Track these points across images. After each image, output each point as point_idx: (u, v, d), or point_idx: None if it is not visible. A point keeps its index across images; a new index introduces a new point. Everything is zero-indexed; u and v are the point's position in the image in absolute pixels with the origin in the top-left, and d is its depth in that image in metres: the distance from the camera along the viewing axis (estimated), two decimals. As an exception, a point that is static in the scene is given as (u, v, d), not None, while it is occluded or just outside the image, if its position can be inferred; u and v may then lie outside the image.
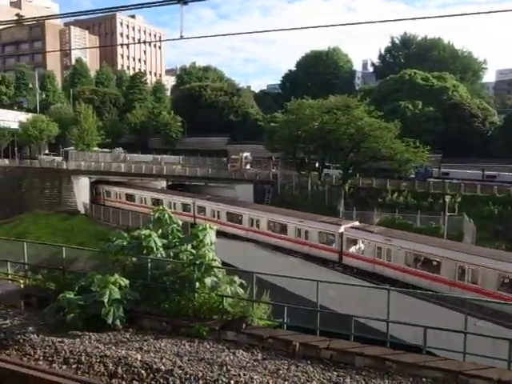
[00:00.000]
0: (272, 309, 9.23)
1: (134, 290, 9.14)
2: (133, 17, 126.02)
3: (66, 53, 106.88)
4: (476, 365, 7.10)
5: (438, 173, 49.20)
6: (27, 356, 7.62)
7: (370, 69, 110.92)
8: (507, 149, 52.73)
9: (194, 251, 9.79)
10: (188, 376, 6.81)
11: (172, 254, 10.22)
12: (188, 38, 9.11)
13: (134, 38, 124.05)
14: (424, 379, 6.82)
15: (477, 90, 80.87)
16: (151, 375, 6.88)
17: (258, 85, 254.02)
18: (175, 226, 11.13)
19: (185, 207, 41.63)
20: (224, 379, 6.70)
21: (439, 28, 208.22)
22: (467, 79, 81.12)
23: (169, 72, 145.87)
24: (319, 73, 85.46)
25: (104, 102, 78.23)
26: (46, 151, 67.36)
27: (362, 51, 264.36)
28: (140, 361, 7.22)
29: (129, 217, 41.79)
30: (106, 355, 7.43)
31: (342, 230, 29.66)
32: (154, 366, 7.05)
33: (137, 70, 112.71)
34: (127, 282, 9.02)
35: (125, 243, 10.35)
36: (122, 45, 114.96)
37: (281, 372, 7.03)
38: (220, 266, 9.66)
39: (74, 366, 7.26)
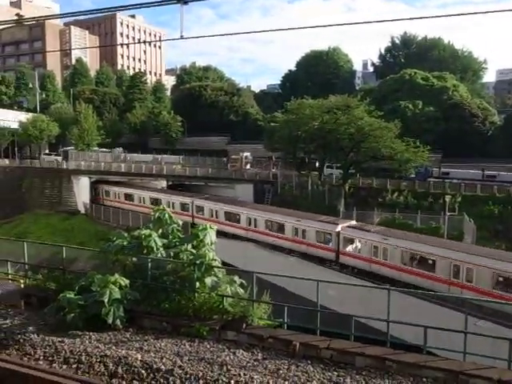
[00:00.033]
0: (272, 308, 9.23)
1: (134, 289, 9.14)
2: (133, 17, 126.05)
3: (66, 53, 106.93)
4: (476, 365, 7.11)
5: (438, 172, 49.17)
6: (27, 356, 7.62)
7: (371, 69, 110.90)
8: (507, 149, 52.73)
9: (194, 251, 9.79)
10: (188, 376, 6.81)
11: (172, 254, 10.22)
12: (188, 38, 9.12)
13: (134, 38, 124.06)
14: (424, 379, 6.82)
15: (477, 90, 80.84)
16: (151, 375, 6.89)
17: (257, 85, 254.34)
18: (175, 225, 11.13)
19: (183, 207, 41.70)
20: (224, 379, 6.70)
21: (439, 28, 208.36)
22: (467, 79, 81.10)
23: (169, 72, 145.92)
24: (319, 73, 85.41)
25: (104, 102, 78.24)
26: (46, 151, 67.35)
27: (362, 51, 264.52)
28: (140, 360, 7.22)
29: (129, 217, 41.81)
30: (107, 355, 7.44)
31: (338, 229, 29.86)
32: (155, 366, 7.05)
33: (137, 70, 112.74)
34: (127, 281, 9.02)
35: (125, 243, 10.35)
36: (122, 44, 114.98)
37: (281, 372, 7.02)
38: (220, 265, 9.67)
39: (75, 365, 7.27)
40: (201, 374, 6.84)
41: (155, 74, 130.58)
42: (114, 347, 7.83)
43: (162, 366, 7.05)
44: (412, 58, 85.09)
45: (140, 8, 8.02)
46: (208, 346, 7.98)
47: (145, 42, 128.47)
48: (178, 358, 7.40)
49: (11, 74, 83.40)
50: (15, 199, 52.36)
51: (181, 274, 9.70)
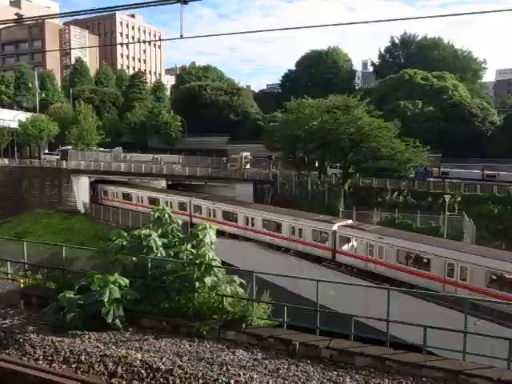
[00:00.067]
0: (272, 308, 9.23)
1: (133, 289, 9.15)
2: (132, 16, 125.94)
3: (65, 52, 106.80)
4: (476, 364, 7.12)
5: (438, 172, 49.21)
6: (27, 355, 7.62)
7: (370, 68, 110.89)
8: (507, 148, 52.72)
9: (193, 251, 9.79)
10: (188, 375, 6.81)
11: (172, 254, 10.22)
12: (188, 38, 9.12)
13: (133, 38, 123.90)
14: (424, 379, 6.82)
15: (477, 90, 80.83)
16: (151, 375, 6.89)
17: (257, 84, 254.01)
18: (175, 225, 11.14)
19: (181, 206, 41.77)
20: (224, 379, 6.71)
21: (440, 26, 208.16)
22: (467, 79, 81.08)
23: (168, 71, 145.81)
24: (319, 72, 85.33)
25: (104, 102, 78.18)
26: (46, 150, 67.32)
27: (362, 51, 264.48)
28: (140, 360, 7.23)
29: (129, 216, 41.80)
30: (106, 355, 7.44)
31: (334, 228, 30.00)
32: (154, 366, 7.06)
33: (136, 70, 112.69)
34: (127, 281, 9.03)
35: (125, 243, 10.37)
36: (121, 44, 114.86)
37: (281, 371, 7.03)
38: (220, 265, 9.67)
39: (74, 365, 7.27)
40: (200, 373, 6.84)
41: (155, 74, 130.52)
42: (113, 347, 7.84)
43: (162, 366, 7.06)
44: (412, 57, 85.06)
45: (140, 8, 8.02)
46: (208, 346, 7.98)
47: (144, 41, 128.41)
48: (178, 358, 7.40)
49: (11, 74, 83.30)
50: (15, 199, 52.35)
51: (180, 274, 9.71)
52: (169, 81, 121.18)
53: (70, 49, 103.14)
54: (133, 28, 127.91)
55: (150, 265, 9.73)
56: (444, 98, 62.33)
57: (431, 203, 39.45)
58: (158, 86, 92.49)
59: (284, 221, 33.05)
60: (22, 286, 10.88)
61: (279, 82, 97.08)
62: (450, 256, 23.99)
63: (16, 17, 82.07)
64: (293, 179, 45.36)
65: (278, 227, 33.52)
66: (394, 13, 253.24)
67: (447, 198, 33.53)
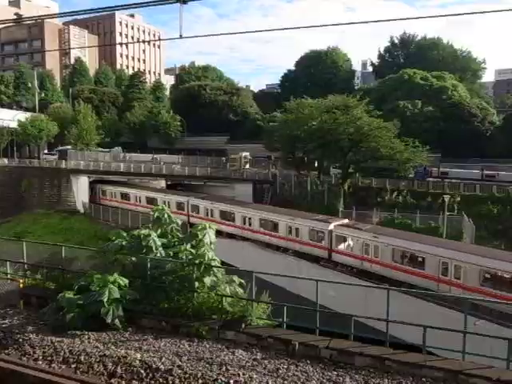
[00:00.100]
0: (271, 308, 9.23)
1: (133, 289, 9.14)
2: (132, 16, 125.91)
3: (65, 52, 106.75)
4: (475, 364, 7.12)
5: (438, 172, 49.24)
6: (26, 355, 7.61)
7: (370, 68, 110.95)
8: (506, 148, 52.76)
9: (193, 250, 9.78)
10: (187, 375, 6.81)
11: (171, 254, 10.22)
12: (187, 38, 9.12)
13: (133, 37, 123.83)
14: (424, 379, 6.82)
15: (476, 90, 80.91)
16: (150, 375, 6.88)
17: (257, 84, 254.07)
18: (174, 225, 11.14)
19: (179, 206, 41.83)
20: (223, 379, 6.70)
21: (440, 26, 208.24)
22: (466, 79, 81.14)
23: (168, 71, 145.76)
24: (318, 72, 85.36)
25: (103, 101, 78.15)
26: (45, 151, 67.29)
27: (361, 51, 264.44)
28: (139, 360, 7.22)
29: (128, 216, 41.80)
30: (106, 355, 7.43)
31: (331, 227, 30.12)
32: (154, 366, 7.05)
33: (136, 70, 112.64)
34: (126, 281, 9.03)
35: (124, 243, 10.36)
36: (121, 44, 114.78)
37: (280, 371, 7.03)
38: (219, 265, 9.67)
39: (74, 365, 7.26)
40: (200, 373, 6.84)
41: (154, 74, 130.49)
42: (113, 347, 7.83)
43: (161, 366, 7.05)
44: (411, 57, 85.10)
45: (139, 7, 8.02)
46: (207, 346, 7.98)
47: (144, 41, 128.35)
48: (177, 358, 7.40)
49: (10, 74, 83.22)
50: (14, 199, 52.32)
51: (180, 274, 9.70)
52: (168, 81, 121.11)
53: (70, 48, 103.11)
54: (132, 28, 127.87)
55: (149, 265, 9.72)
56: (443, 98, 62.37)
57: (431, 203, 39.47)
58: (158, 86, 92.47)
59: (281, 220, 33.21)
60: (21, 286, 10.87)
61: (279, 82, 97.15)
62: (444, 255, 24.18)
63: (15, 16, 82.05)
64: (292, 179, 45.37)
65: (275, 227, 33.68)
66: (394, 13, 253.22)
67: (447, 198, 33.56)
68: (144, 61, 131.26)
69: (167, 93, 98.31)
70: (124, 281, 8.96)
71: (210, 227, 10.10)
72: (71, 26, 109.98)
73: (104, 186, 52.00)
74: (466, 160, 51.18)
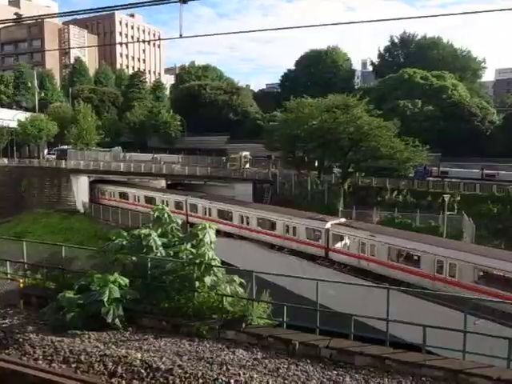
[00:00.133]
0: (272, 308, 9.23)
1: (133, 289, 9.14)
2: (132, 16, 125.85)
3: (64, 52, 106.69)
4: (476, 363, 7.12)
5: (438, 172, 49.23)
6: (27, 355, 7.62)
7: (370, 68, 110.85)
8: (506, 148, 52.73)
9: (193, 250, 9.79)
10: (188, 375, 6.81)
11: (172, 253, 10.22)
12: (187, 37, 9.11)
13: (133, 37, 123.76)
14: (424, 378, 6.83)
15: (476, 89, 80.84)
16: (151, 374, 6.89)
17: (257, 84, 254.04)
18: (174, 225, 11.14)
19: (177, 205, 41.87)
20: (224, 378, 6.70)
21: (440, 27, 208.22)
22: (466, 78, 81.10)
23: (168, 71, 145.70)
24: (318, 72, 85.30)
25: (103, 101, 78.10)
26: (46, 150, 67.27)
27: (361, 50, 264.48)
28: (140, 360, 7.22)
29: (128, 216, 41.82)
30: (106, 354, 7.44)
31: (327, 226, 30.23)
32: (154, 365, 7.06)
33: (136, 69, 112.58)
34: (127, 281, 9.03)
35: (124, 242, 10.36)
36: (121, 43, 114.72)
37: (280, 371, 7.03)
38: (219, 265, 9.67)
39: (74, 365, 7.26)
40: (200, 373, 6.84)
41: (154, 73, 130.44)
42: (113, 346, 7.83)
43: (162, 366, 7.05)
44: (411, 57, 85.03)
45: (139, 7, 8.01)
46: (207, 346, 7.98)
47: (144, 41, 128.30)
48: (178, 358, 7.40)
49: (10, 73, 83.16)
50: (14, 199, 52.32)
51: (180, 274, 9.71)
52: (168, 80, 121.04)
53: (69, 48, 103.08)
54: (132, 27, 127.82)
55: (149, 264, 9.72)
56: (443, 97, 62.33)
57: (431, 202, 39.47)
58: (158, 86, 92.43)
59: (278, 219, 33.33)
60: (21, 285, 10.88)
61: (279, 82, 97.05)
62: (439, 253, 24.28)
63: (15, 16, 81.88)
64: (292, 179, 45.37)
65: (273, 226, 33.81)
66: (394, 12, 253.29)
67: (447, 197, 33.58)
68: (144, 60, 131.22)
69: (167, 92, 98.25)
70: (124, 280, 8.96)
71: (210, 227, 10.10)
72: (71, 26, 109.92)
73: (103, 186, 52.02)
74: (466, 159, 51.14)
